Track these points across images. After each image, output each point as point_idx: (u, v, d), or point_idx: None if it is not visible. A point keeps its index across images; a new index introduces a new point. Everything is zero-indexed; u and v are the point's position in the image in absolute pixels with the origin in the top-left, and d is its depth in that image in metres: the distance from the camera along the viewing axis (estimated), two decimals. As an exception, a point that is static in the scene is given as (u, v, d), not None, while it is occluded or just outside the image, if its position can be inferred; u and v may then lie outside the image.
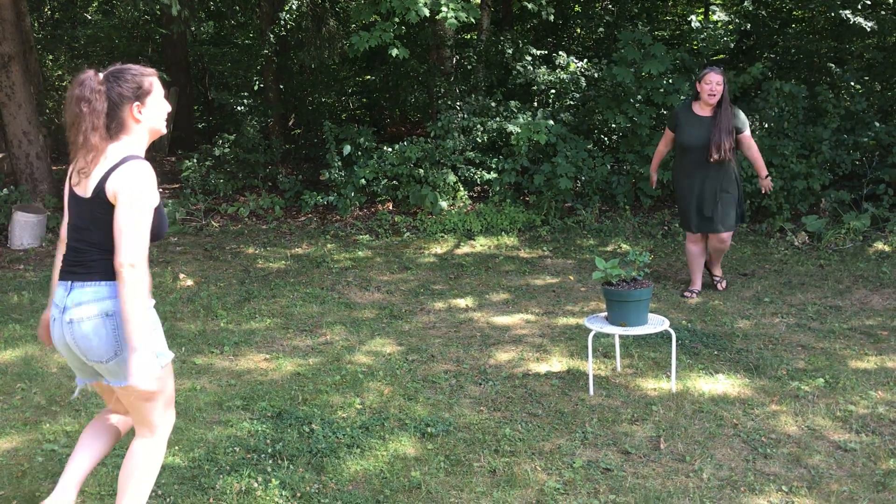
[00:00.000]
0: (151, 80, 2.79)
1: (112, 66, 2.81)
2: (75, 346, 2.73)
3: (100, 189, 2.68)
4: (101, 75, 2.75)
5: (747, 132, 6.09)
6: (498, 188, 9.03)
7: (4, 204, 8.55)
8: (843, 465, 3.66)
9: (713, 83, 5.88)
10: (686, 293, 6.26)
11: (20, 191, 8.90)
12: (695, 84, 6.12)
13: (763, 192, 6.63)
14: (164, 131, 2.86)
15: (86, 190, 2.72)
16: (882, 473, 3.56)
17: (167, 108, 2.86)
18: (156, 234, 2.75)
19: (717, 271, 6.48)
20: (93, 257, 2.72)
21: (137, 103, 2.75)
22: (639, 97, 9.12)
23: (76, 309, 2.70)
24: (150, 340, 2.66)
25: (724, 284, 6.41)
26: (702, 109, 6.04)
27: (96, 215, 2.70)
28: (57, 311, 2.76)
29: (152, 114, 2.79)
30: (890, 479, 3.51)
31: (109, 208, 2.67)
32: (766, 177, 6.31)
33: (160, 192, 2.78)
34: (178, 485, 3.53)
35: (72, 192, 2.80)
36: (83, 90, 2.70)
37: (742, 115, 6.11)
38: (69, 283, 2.74)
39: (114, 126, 2.73)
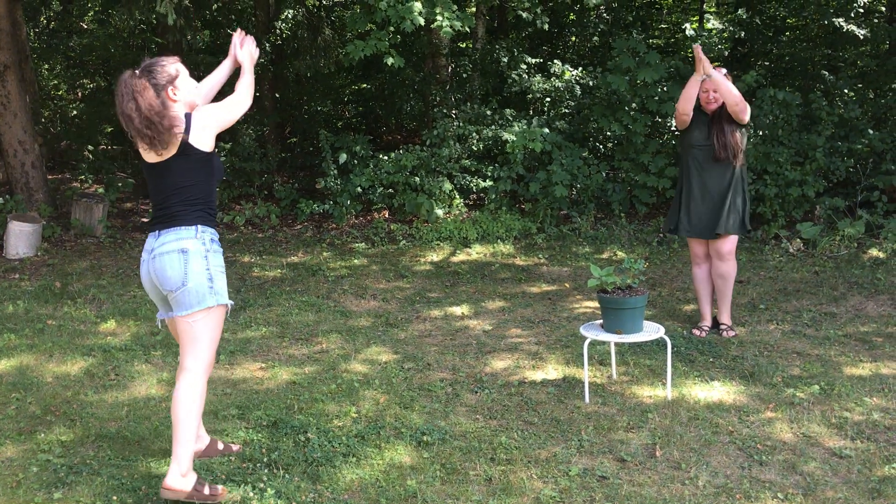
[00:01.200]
0: (176, 65, 3.40)
1: (143, 62, 3.40)
2: (156, 276, 3.35)
3: (184, 144, 3.33)
4: (137, 72, 3.35)
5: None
6: (494, 196, 9.04)
7: (0, 213, 8.55)
8: (839, 471, 3.67)
9: (709, 91, 5.45)
10: (694, 329, 5.59)
11: (15, 200, 8.89)
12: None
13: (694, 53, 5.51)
14: (199, 102, 3.49)
15: (169, 154, 3.35)
16: (877, 480, 3.57)
17: (194, 83, 3.48)
18: (218, 175, 3.49)
19: (725, 317, 5.60)
20: (177, 209, 3.36)
21: (171, 86, 3.35)
22: (633, 105, 9.15)
23: (160, 247, 3.34)
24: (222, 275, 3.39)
25: (731, 333, 5.53)
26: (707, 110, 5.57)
27: (183, 167, 3.34)
28: (146, 254, 3.40)
29: (185, 92, 3.40)
30: (885, 485, 3.52)
31: (198, 154, 3.36)
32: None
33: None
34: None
35: (151, 165, 3.41)
36: (126, 89, 3.32)
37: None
38: (157, 231, 3.38)
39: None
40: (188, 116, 3.36)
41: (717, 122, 5.45)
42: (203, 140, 3.38)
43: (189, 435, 3.33)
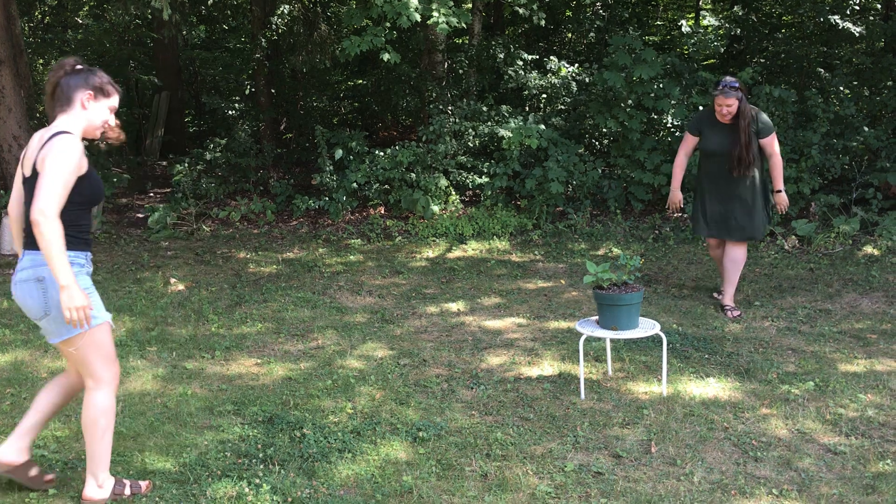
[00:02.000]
0: (116, 96, 3.33)
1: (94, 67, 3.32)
2: (20, 304, 3.23)
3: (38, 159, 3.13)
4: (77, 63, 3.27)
5: (768, 139, 5.74)
6: (489, 192, 9.04)
7: (-6, 208, 8.52)
8: (833, 468, 3.68)
9: (723, 106, 5.61)
10: (728, 310, 5.87)
11: (10, 195, 8.86)
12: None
13: (776, 208, 6.00)
14: (97, 136, 3.33)
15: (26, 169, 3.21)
16: (871, 476, 3.58)
17: (114, 125, 3.35)
18: (90, 198, 3.23)
19: (728, 299, 5.94)
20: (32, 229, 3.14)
21: (91, 94, 3.24)
22: (629, 102, 9.15)
23: (19, 272, 3.20)
24: (74, 278, 3.03)
25: (735, 314, 5.83)
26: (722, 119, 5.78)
27: (33, 184, 3.10)
28: (15, 275, 3.25)
29: (96, 113, 3.26)
30: (879, 481, 3.53)
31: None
32: (779, 192, 5.85)
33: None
34: (169, 489, 3.52)
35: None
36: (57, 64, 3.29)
37: (764, 118, 5.76)
38: (23, 251, 3.24)
39: (63, 100, 3.23)
40: (59, 135, 3.13)
41: (737, 138, 5.70)
42: (42, 167, 3.08)
43: (99, 450, 3.32)
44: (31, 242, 3.18)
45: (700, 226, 5.99)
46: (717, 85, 5.74)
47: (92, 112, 3.26)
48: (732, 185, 5.80)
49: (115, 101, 3.32)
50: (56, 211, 3.02)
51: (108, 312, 3.34)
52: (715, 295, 6.28)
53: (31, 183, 3.13)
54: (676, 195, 6.09)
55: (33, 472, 3.45)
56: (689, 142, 6.00)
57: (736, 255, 5.89)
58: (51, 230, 2.98)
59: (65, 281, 3.01)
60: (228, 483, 3.53)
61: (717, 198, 5.87)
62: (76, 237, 3.22)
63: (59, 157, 3.08)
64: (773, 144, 5.78)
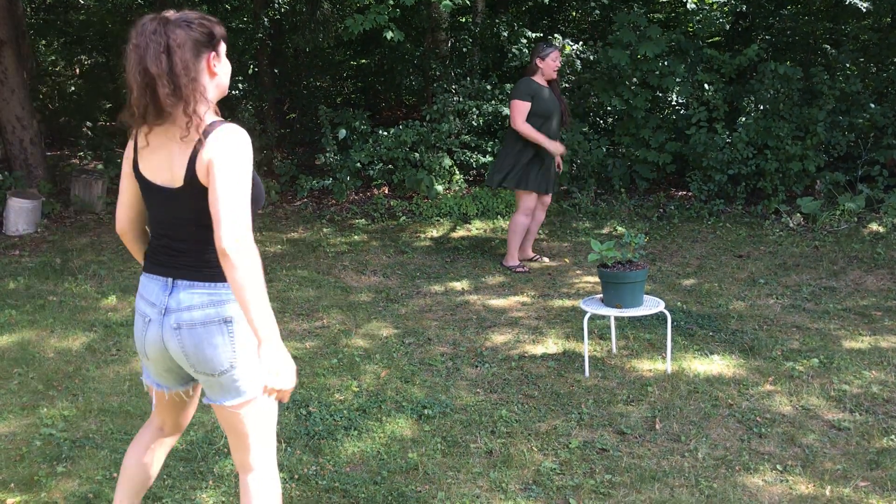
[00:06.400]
0: (221, 28, 2.32)
1: (172, 12, 2.28)
2: (184, 353, 2.32)
3: (191, 172, 2.22)
4: (170, 19, 2.22)
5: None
6: (493, 171, 9.01)
7: (-1, 189, 8.54)
8: (837, 443, 3.69)
9: (558, 60, 6.44)
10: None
11: (14, 176, 8.87)
12: (536, 59, 6.46)
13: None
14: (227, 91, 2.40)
15: (172, 178, 2.27)
16: (875, 452, 3.59)
17: (230, 67, 2.39)
18: (255, 205, 2.30)
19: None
20: (203, 256, 2.30)
21: (215, 52, 2.29)
22: (634, 80, 9.10)
23: (189, 312, 2.29)
24: (276, 330, 2.20)
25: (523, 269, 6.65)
26: (541, 81, 6.47)
27: (199, 206, 2.23)
28: (154, 311, 2.34)
29: (224, 70, 2.35)
30: (883, 457, 3.54)
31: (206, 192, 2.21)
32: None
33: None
34: (176, 467, 3.55)
35: (146, 182, 2.33)
36: (157, 38, 2.18)
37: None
38: (169, 279, 2.33)
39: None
40: (221, 126, 2.23)
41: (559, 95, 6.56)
42: (208, 170, 2.21)
43: None
44: (185, 270, 2.32)
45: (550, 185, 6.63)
46: (546, 46, 6.46)
47: (221, 73, 2.34)
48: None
49: (224, 45, 2.35)
50: (251, 232, 2.18)
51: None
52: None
53: (187, 195, 2.26)
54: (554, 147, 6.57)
55: None
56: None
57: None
58: (251, 264, 2.14)
59: (267, 333, 2.17)
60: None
61: (548, 157, 6.55)
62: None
63: (235, 160, 2.18)
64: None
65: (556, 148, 6.49)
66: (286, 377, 2.20)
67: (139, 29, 2.20)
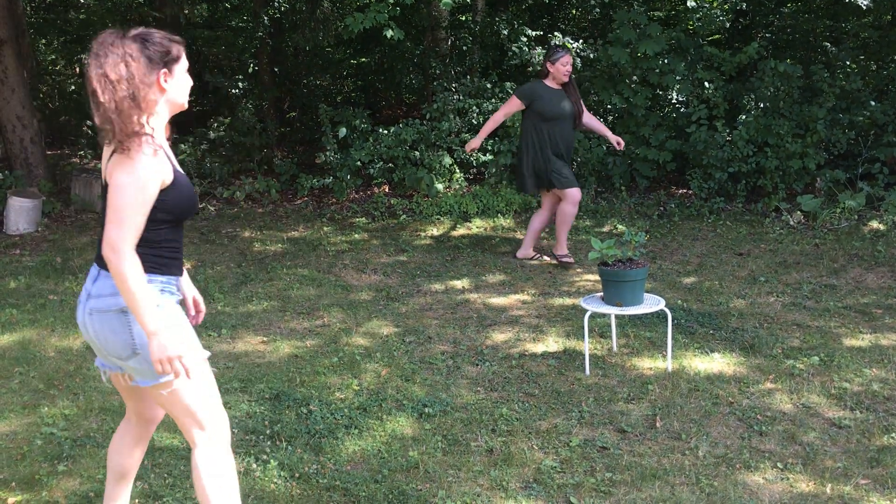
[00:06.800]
0: (179, 48, 2.55)
1: (134, 29, 2.52)
2: (95, 338, 2.57)
3: (107, 173, 2.47)
4: (128, 35, 2.47)
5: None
6: (494, 170, 9.02)
7: (0, 189, 8.54)
8: (838, 441, 3.69)
9: (568, 65, 6.53)
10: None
11: (15, 175, 8.87)
12: (547, 63, 6.58)
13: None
14: (186, 106, 2.62)
15: (104, 175, 2.53)
16: (876, 449, 3.59)
17: (189, 83, 2.60)
18: (178, 214, 2.56)
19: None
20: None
21: (165, 70, 2.50)
22: (634, 78, 9.10)
23: (97, 300, 2.53)
24: (162, 320, 2.44)
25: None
26: (553, 84, 6.59)
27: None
28: (83, 295, 2.60)
29: (177, 85, 2.56)
30: (883, 455, 3.54)
31: None
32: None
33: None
34: (177, 466, 3.56)
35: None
36: (116, 50, 2.42)
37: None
38: (95, 267, 2.59)
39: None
40: (131, 138, 2.41)
41: (573, 96, 6.65)
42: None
43: None
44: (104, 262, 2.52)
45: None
46: (556, 50, 6.62)
47: (173, 89, 2.55)
48: (567, 141, 6.70)
49: (185, 60, 2.59)
50: (131, 245, 2.41)
51: (205, 349, 2.66)
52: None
53: (105, 196, 2.52)
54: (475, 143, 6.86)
55: None
56: (517, 106, 6.70)
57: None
58: (126, 269, 2.38)
59: (152, 327, 2.41)
60: (236, 459, 3.56)
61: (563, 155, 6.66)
62: (166, 259, 2.59)
63: (130, 177, 2.40)
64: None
65: (473, 144, 6.78)
66: (174, 364, 2.44)
67: (100, 40, 2.44)
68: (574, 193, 6.60)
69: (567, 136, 6.58)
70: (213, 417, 2.62)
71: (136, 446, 2.87)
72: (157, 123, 2.54)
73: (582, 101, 6.73)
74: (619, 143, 6.79)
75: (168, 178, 2.49)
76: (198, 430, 2.61)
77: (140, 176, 2.41)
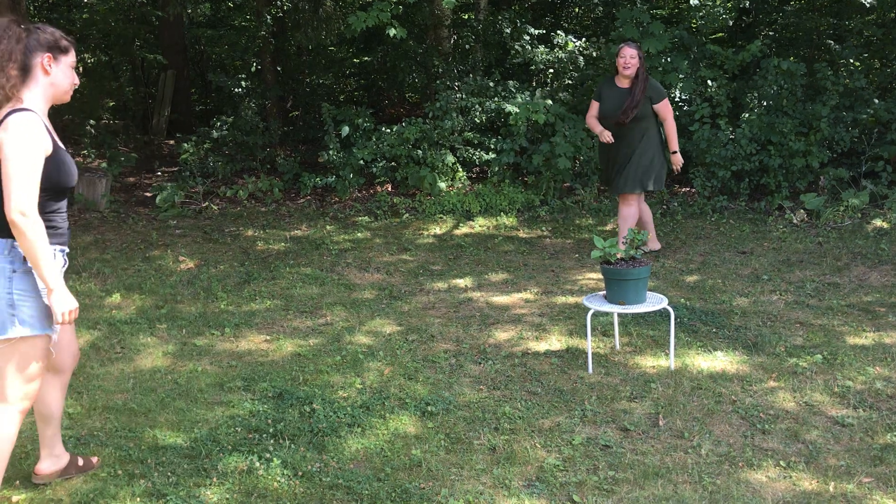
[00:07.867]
0: (70, 44, 2.97)
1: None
2: None
3: None
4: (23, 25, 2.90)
5: (661, 103, 6.46)
6: (496, 168, 9.02)
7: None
8: (841, 439, 3.69)
9: (626, 57, 6.35)
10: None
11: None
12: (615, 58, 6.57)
13: (673, 168, 6.71)
14: (67, 100, 3.02)
15: None
16: (879, 448, 3.59)
17: (75, 81, 3.01)
18: (57, 183, 2.92)
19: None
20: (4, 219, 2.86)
21: (49, 55, 2.91)
22: (637, 76, 9.08)
23: None
24: (62, 281, 2.91)
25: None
26: (620, 82, 6.51)
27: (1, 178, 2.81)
28: None
29: (60, 74, 2.95)
30: (886, 453, 3.54)
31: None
32: (675, 152, 6.61)
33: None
34: (181, 464, 3.56)
35: None
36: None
37: (656, 86, 6.51)
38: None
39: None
40: (13, 113, 2.79)
41: (632, 94, 6.42)
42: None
43: None
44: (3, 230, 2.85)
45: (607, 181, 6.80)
46: (621, 44, 6.51)
47: (56, 76, 2.94)
48: (624, 141, 6.54)
49: (73, 56, 3.00)
50: (36, 206, 2.77)
51: (54, 327, 3.00)
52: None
53: None
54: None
55: (80, 462, 3.47)
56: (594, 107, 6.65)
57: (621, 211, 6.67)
58: (34, 230, 2.76)
59: (54, 285, 2.84)
60: (239, 457, 3.57)
61: (613, 156, 6.63)
62: (47, 229, 2.91)
63: (20, 140, 2.75)
64: (667, 108, 6.49)
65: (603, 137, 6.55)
66: (73, 315, 2.91)
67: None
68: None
69: (619, 137, 6.47)
70: (18, 391, 2.97)
71: (62, 383, 3.33)
72: (39, 101, 2.91)
73: (637, 99, 6.35)
74: (675, 164, 6.63)
75: (49, 148, 2.84)
76: (8, 392, 2.96)
77: (28, 142, 2.76)
